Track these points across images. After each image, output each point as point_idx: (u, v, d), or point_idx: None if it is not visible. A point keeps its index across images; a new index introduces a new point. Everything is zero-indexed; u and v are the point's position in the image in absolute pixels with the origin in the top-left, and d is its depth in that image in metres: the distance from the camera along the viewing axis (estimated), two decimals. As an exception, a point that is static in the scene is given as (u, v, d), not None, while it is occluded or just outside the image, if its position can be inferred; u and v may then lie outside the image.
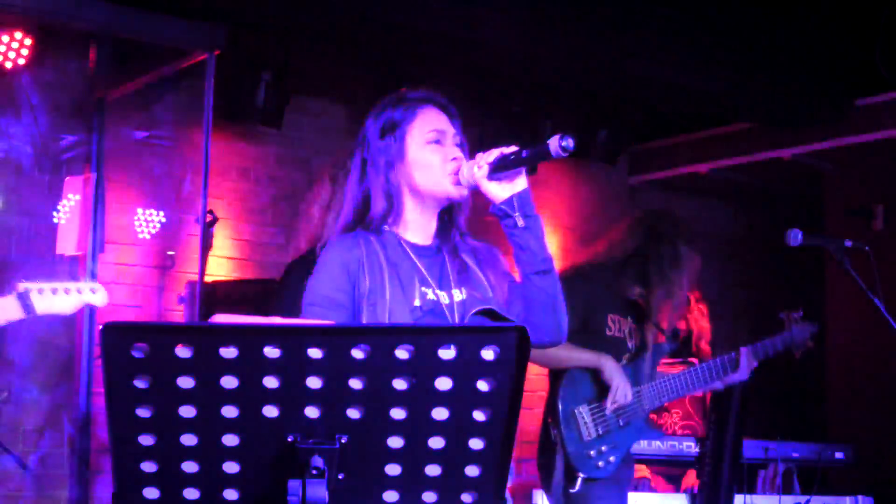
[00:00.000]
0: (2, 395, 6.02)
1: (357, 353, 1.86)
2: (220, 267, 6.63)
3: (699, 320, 6.37)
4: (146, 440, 1.89)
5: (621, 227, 4.43)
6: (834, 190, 7.97)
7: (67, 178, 6.19)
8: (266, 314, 2.59)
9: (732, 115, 7.57)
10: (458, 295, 2.61)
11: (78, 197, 6.13)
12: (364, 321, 2.52)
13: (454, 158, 2.63)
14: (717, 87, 6.84)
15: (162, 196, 6.52)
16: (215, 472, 1.92)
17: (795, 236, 3.90)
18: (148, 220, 6.31)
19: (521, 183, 2.56)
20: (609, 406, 4.12)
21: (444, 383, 1.89)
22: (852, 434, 6.50)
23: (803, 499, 5.50)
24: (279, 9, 5.73)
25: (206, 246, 5.63)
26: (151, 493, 1.93)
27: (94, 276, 6.17)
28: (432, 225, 2.68)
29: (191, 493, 1.93)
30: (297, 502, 1.87)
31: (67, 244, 6.16)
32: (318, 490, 1.88)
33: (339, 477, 1.92)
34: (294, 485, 1.88)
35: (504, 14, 5.97)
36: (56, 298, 3.97)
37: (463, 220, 2.70)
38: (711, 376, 4.38)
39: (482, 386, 1.90)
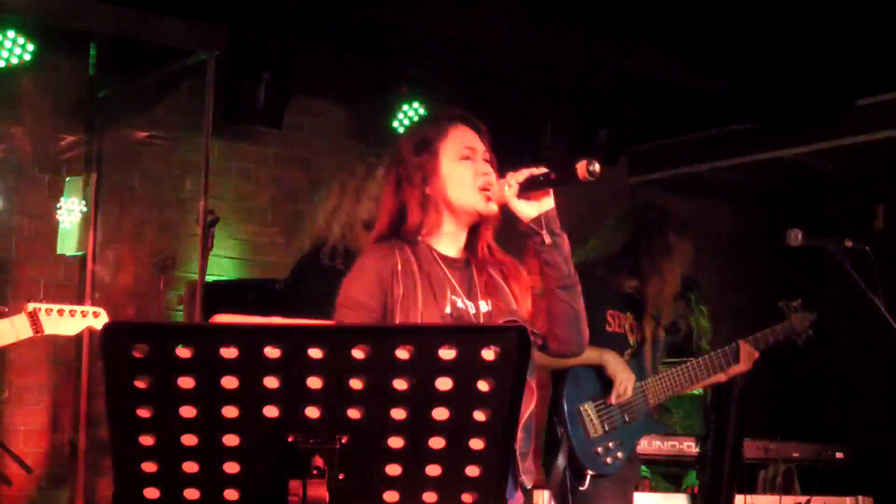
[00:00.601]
0: (2, 395, 6.02)
1: (357, 353, 1.86)
2: (220, 267, 6.62)
3: (699, 320, 6.36)
4: (146, 440, 1.89)
5: (611, 223, 4.45)
6: (834, 190, 7.97)
7: (67, 178, 6.19)
8: (271, 314, 2.63)
9: (732, 115, 7.57)
10: (485, 306, 2.74)
11: (78, 197, 6.13)
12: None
13: (484, 174, 2.76)
14: (717, 87, 6.85)
15: (162, 196, 6.52)
16: (216, 473, 1.92)
17: (795, 236, 3.90)
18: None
19: (548, 202, 2.72)
20: (613, 400, 4.10)
21: (444, 383, 1.89)
22: (852, 434, 6.50)
23: (803, 499, 5.50)
24: (279, 9, 5.73)
25: (206, 246, 5.62)
26: (152, 493, 1.92)
27: (94, 276, 6.17)
28: (462, 238, 2.81)
29: (191, 494, 1.93)
30: (298, 502, 1.87)
31: (68, 244, 6.16)
32: (319, 490, 1.88)
33: (340, 477, 1.92)
34: (294, 485, 1.88)
35: (504, 14, 5.97)
36: (62, 321, 4.15)
37: (492, 234, 2.83)
38: (714, 368, 4.35)
39: (482, 386, 1.90)
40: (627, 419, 4.17)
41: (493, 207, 2.74)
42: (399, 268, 2.69)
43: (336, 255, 3.41)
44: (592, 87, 7.05)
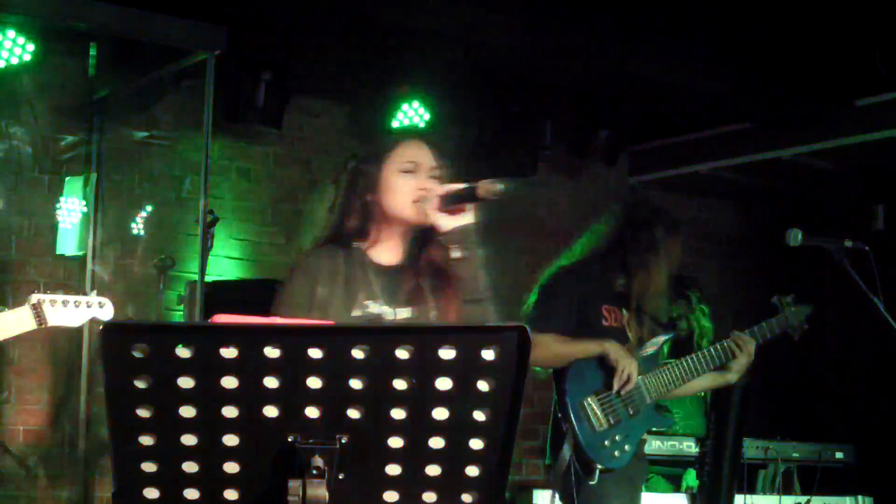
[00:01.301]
0: (2, 395, 6.02)
1: (357, 353, 1.86)
2: (220, 267, 6.62)
3: (700, 320, 6.37)
4: (146, 440, 1.89)
5: (600, 221, 4.46)
6: (834, 190, 7.97)
7: (67, 178, 6.19)
8: (271, 314, 2.66)
9: (732, 115, 7.57)
10: (404, 313, 2.82)
11: (78, 197, 6.13)
12: None
13: (422, 189, 2.84)
14: (717, 87, 6.84)
15: (162, 196, 6.52)
16: (215, 473, 1.91)
17: (795, 236, 3.90)
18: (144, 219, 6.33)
19: (466, 218, 2.78)
20: (616, 385, 4.09)
21: (444, 383, 1.89)
22: (852, 434, 6.50)
23: (803, 499, 5.51)
24: (279, 9, 5.73)
25: (206, 246, 5.62)
26: (151, 493, 1.92)
27: (94, 276, 6.17)
28: (400, 246, 2.90)
29: (191, 494, 1.93)
30: (298, 502, 1.87)
31: (68, 244, 6.16)
32: (318, 490, 1.87)
33: (340, 477, 1.92)
34: (294, 485, 1.88)
35: (504, 14, 5.97)
36: (66, 311, 4.06)
37: (433, 245, 2.88)
38: (713, 361, 4.33)
39: (482, 386, 1.90)
40: (632, 412, 4.16)
41: (425, 220, 2.81)
42: (325, 270, 2.80)
43: None
44: (592, 87, 7.05)
